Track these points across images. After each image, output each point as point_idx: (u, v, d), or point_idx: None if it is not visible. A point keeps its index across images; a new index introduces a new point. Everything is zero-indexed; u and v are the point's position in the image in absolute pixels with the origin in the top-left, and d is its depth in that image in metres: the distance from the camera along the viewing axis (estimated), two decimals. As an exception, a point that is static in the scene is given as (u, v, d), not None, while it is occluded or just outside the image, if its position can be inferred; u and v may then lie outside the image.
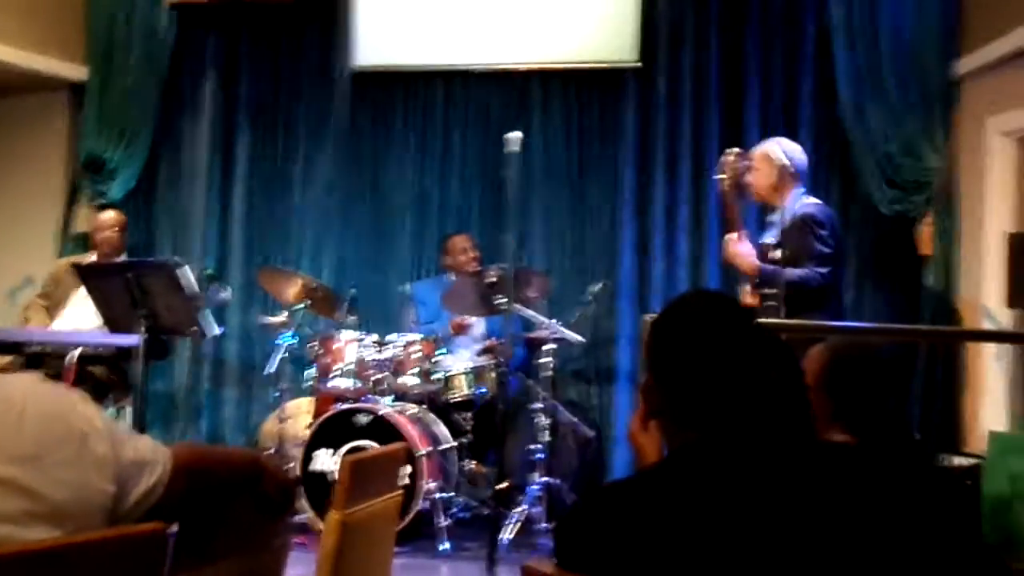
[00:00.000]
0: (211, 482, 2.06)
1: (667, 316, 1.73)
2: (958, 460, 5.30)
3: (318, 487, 5.27)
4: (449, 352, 6.04)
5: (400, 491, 3.25)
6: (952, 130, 5.90)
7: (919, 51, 5.95)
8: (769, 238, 5.05)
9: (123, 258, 6.40)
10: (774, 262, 4.86)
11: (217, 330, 5.66)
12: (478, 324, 6.36)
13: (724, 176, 5.02)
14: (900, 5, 6.00)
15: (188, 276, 5.05)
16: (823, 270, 4.81)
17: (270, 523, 2.34)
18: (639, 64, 6.71)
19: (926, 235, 5.90)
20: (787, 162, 5.03)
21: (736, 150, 5.09)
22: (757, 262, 4.95)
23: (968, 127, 5.86)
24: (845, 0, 6.18)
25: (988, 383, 5.66)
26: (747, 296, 5.05)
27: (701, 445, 1.59)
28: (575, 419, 5.87)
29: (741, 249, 5.01)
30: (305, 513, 5.28)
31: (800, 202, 5.01)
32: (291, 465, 5.44)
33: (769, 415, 1.61)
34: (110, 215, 6.54)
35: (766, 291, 4.87)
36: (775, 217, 5.03)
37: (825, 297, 4.84)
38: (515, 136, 5.09)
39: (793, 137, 6.40)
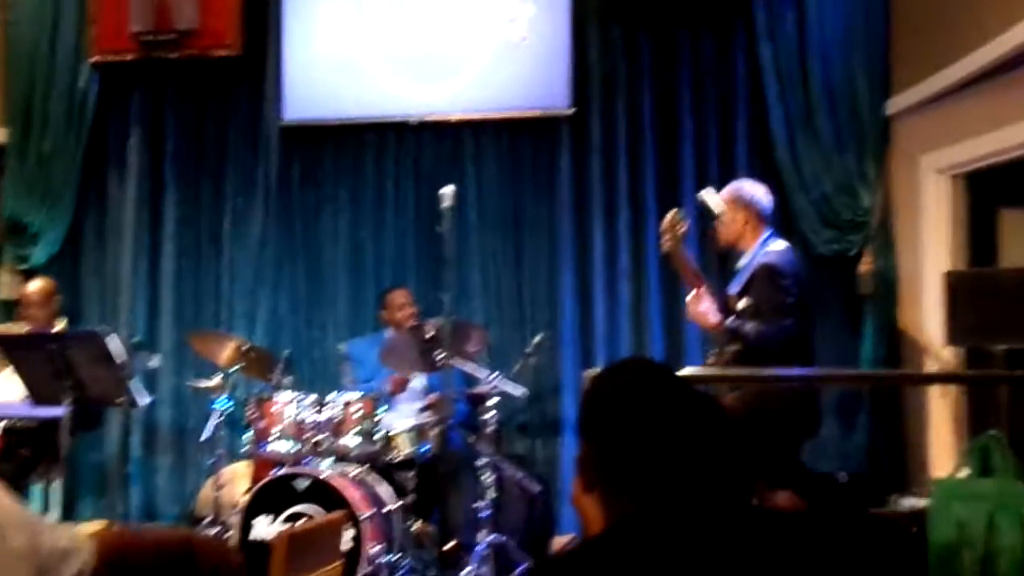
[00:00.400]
0: (137, 568, 1.96)
1: (600, 388, 1.70)
2: (906, 501, 5.29)
3: (258, 556, 5.06)
4: (390, 410, 5.90)
5: (340, 561, 3.13)
6: (886, 169, 5.93)
7: (850, 91, 6.01)
8: (734, 287, 4.88)
9: (61, 324, 6.20)
10: (740, 313, 4.71)
11: (147, 399, 5.52)
12: (418, 380, 6.24)
13: (666, 238, 4.75)
14: (829, 46, 6.05)
15: (115, 345, 4.92)
16: (786, 322, 4.60)
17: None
18: (573, 111, 6.67)
19: (865, 274, 5.90)
20: (753, 209, 4.90)
21: (675, 211, 4.80)
22: (717, 318, 4.73)
23: (902, 166, 5.90)
24: (774, 43, 6.23)
25: (934, 421, 5.64)
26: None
27: (639, 519, 1.56)
28: (521, 474, 5.74)
29: (701, 307, 4.75)
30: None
31: (765, 248, 4.83)
32: (230, 534, 5.27)
33: (706, 486, 1.59)
34: (35, 287, 6.25)
35: (730, 348, 4.68)
36: (743, 262, 4.90)
37: (793, 348, 4.63)
38: (448, 191, 5.02)
39: (730, 180, 6.39)
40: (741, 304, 4.77)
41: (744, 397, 2.99)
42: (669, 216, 4.77)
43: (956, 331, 4.73)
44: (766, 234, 4.91)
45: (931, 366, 5.64)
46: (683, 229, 4.74)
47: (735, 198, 4.93)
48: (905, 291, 5.92)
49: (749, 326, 4.61)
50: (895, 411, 5.93)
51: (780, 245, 4.90)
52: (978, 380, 4.72)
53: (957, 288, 4.75)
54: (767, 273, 4.69)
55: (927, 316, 5.64)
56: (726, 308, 4.80)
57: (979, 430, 4.11)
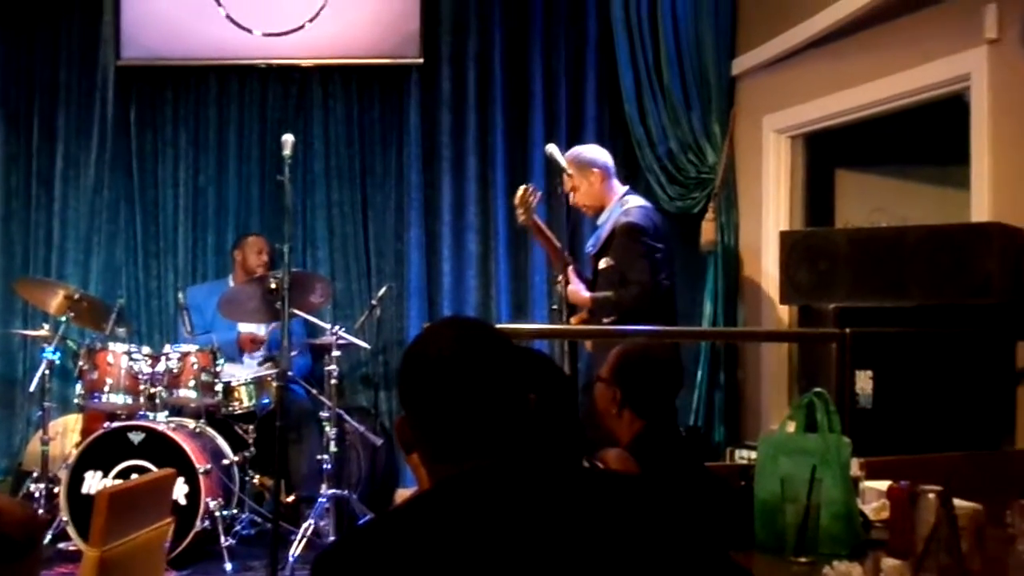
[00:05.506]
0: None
1: (414, 349, 1.65)
2: (741, 453, 5.47)
3: (88, 512, 4.90)
4: (229, 361, 5.76)
5: (169, 519, 3.04)
6: (731, 128, 6.02)
7: (698, 51, 6.05)
8: (592, 247, 5.10)
9: None
10: (603, 272, 4.92)
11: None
12: (258, 331, 6.10)
13: (520, 212, 4.97)
14: (679, 5, 6.07)
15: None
16: (658, 276, 4.90)
17: (14, 566, 2.13)
18: (421, 61, 6.57)
19: (708, 232, 5.99)
20: (598, 167, 5.08)
21: (524, 186, 5.04)
22: (587, 295, 4.96)
23: (745, 125, 6.00)
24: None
25: (771, 374, 5.80)
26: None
27: (455, 482, 1.53)
28: (362, 427, 5.68)
29: (572, 289, 4.94)
30: (72, 541, 4.95)
31: (623, 207, 5.01)
32: (58, 489, 5.09)
33: (525, 444, 1.57)
34: None
35: (606, 320, 4.88)
36: (601, 219, 5.09)
37: (663, 303, 4.93)
38: (288, 139, 4.87)
39: (579, 134, 6.47)
40: (602, 264, 4.99)
41: (626, 345, 3.18)
42: (520, 191, 4.99)
43: (790, 290, 4.84)
44: (622, 191, 5.14)
45: (769, 323, 5.79)
46: (535, 201, 4.90)
47: (580, 163, 5.09)
48: (746, 249, 6.05)
49: (619, 294, 4.83)
50: (732, 366, 6.07)
51: (638, 202, 5.12)
52: (808, 338, 4.86)
53: (791, 248, 4.85)
54: (628, 233, 4.90)
55: (766, 273, 5.77)
56: (590, 269, 5.05)
57: (810, 386, 4.25)
